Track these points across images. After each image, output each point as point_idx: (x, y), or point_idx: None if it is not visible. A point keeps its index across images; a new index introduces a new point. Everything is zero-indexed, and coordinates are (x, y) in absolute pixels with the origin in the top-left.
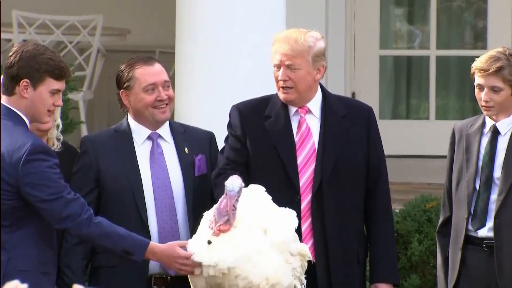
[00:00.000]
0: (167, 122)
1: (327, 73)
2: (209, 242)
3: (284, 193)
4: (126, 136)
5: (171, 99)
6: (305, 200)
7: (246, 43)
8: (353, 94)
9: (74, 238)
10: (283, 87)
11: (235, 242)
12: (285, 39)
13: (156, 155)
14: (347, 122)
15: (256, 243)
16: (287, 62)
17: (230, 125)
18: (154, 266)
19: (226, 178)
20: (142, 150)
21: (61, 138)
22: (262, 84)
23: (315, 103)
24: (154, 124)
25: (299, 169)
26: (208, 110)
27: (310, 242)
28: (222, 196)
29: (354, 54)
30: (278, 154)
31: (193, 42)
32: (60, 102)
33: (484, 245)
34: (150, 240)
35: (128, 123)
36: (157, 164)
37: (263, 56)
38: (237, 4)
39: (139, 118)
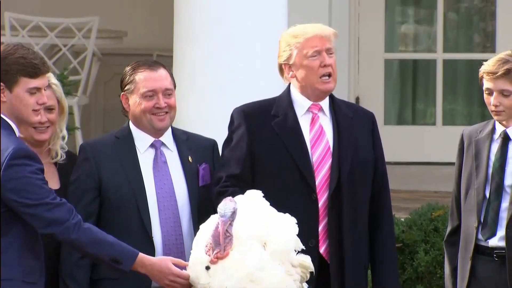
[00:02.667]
0: (170, 129)
1: None
2: (208, 268)
3: (300, 193)
4: (129, 143)
5: (171, 108)
6: (322, 199)
7: (248, 46)
8: (357, 98)
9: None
10: (327, 75)
11: (234, 263)
12: (316, 25)
13: (159, 164)
14: (356, 124)
15: (256, 260)
16: (327, 46)
17: (232, 127)
18: None
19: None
20: (144, 158)
21: (66, 148)
22: (266, 88)
23: (325, 102)
24: (154, 132)
25: (314, 167)
26: (209, 115)
27: (326, 243)
28: (217, 221)
29: (358, 57)
30: (290, 153)
31: (193, 44)
32: (44, 99)
33: (495, 255)
34: (155, 252)
35: (130, 130)
36: (161, 173)
37: (263, 59)
38: (239, 8)
39: (138, 123)
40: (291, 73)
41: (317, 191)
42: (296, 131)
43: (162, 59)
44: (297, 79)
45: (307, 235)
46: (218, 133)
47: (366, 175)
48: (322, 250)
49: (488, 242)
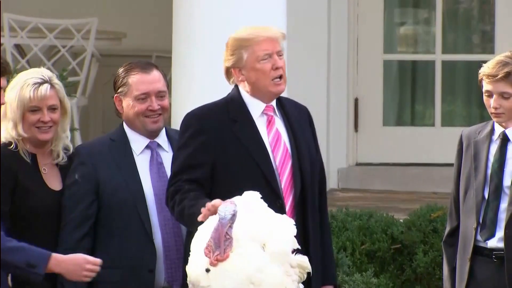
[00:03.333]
0: (164, 130)
1: (329, 78)
2: (208, 270)
3: (265, 199)
4: (124, 145)
5: (164, 109)
6: (288, 203)
7: None
8: (356, 99)
9: None
10: (279, 77)
11: (234, 266)
12: (265, 28)
13: (156, 165)
14: (302, 122)
15: (256, 261)
16: (277, 48)
17: (188, 132)
18: (158, 282)
19: (183, 195)
20: (141, 160)
21: (71, 149)
22: None
23: (274, 103)
24: (148, 133)
25: (279, 172)
26: None
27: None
28: (217, 223)
29: (357, 58)
30: (253, 159)
31: (192, 45)
32: (3, 100)
33: (494, 256)
34: (156, 254)
35: (124, 131)
36: (158, 175)
37: None
38: (237, 9)
39: (131, 125)
40: (241, 76)
41: (283, 196)
42: (256, 136)
43: (161, 60)
44: (248, 82)
45: None
46: None
47: (316, 173)
48: None
49: (487, 243)
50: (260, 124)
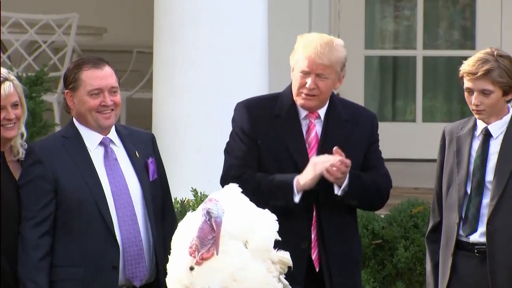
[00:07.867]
0: (113, 126)
1: None
2: (192, 268)
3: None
4: (78, 142)
5: (117, 105)
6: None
7: (228, 44)
8: (338, 95)
9: (38, 253)
10: (307, 94)
11: (218, 264)
12: (319, 47)
13: (111, 161)
14: (349, 126)
15: (239, 259)
16: (318, 71)
17: (238, 124)
18: (120, 278)
19: (245, 182)
20: (95, 156)
21: (26, 145)
22: (247, 87)
23: (323, 108)
24: (100, 129)
25: None
26: (189, 115)
27: (316, 251)
28: (201, 223)
29: None
30: (291, 155)
31: (173, 43)
32: None
33: (476, 251)
34: (119, 250)
35: (76, 128)
36: (114, 171)
37: (246, 57)
38: (219, 5)
39: (83, 121)
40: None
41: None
42: (298, 134)
43: (142, 55)
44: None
45: (299, 236)
46: (201, 134)
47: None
48: (314, 256)
49: (469, 238)
50: (303, 126)
